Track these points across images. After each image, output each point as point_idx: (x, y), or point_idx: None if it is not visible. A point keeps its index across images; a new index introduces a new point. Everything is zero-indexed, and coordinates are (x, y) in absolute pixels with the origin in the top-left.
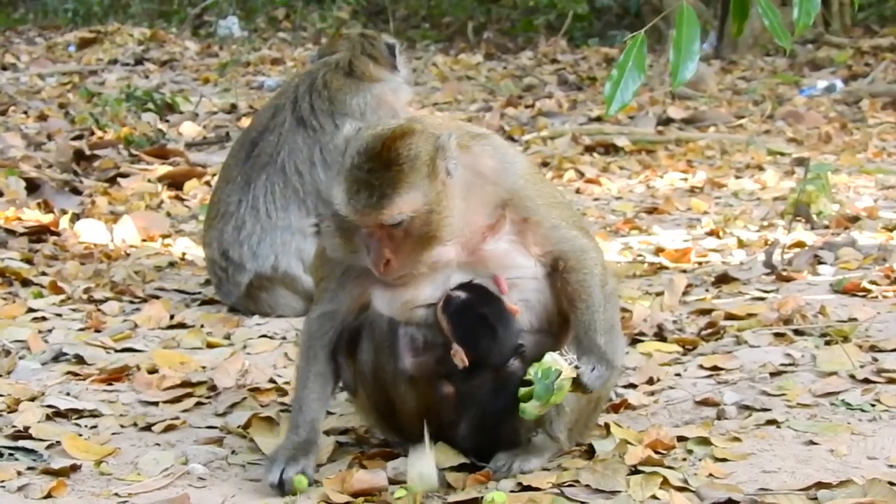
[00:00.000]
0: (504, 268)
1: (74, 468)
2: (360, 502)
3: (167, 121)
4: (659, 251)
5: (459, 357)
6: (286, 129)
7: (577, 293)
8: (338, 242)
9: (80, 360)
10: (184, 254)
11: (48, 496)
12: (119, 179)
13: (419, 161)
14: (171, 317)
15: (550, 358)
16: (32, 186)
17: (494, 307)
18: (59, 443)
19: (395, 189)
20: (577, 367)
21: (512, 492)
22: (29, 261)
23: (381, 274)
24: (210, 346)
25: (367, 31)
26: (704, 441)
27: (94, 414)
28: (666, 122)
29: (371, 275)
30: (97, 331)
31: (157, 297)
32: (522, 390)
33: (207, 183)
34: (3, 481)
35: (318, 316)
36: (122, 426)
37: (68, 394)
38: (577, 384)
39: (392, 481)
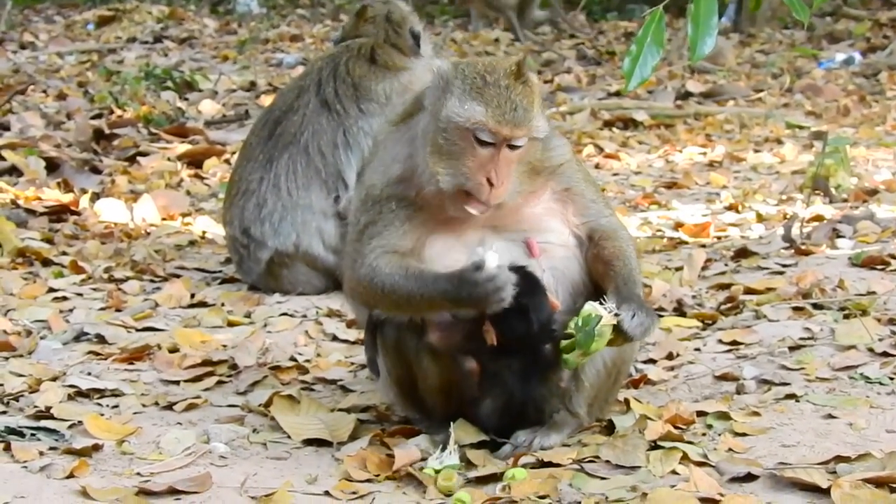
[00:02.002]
0: (538, 231)
1: (96, 448)
2: (381, 479)
3: (186, 99)
4: (678, 226)
5: (490, 336)
6: (310, 111)
7: (614, 255)
8: (445, 162)
9: (101, 339)
10: (204, 232)
11: (70, 476)
12: (139, 158)
13: (537, 85)
14: (192, 295)
15: (590, 307)
16: (52, 166)
17: (538, 300)
18: (80, 422)
19: (533, 105)
20: (616, 315)
21: (532, 468)
22: (49, 240)
23: (489, 197)
24: (231, 324)
25: (394, 15)
26: (724, 416)
27: (115, 393)
28: (685, 96)
29: (428, 223)
30: (118, 310)
31: (178, 276)
32: (564, 342)
33: (227, 161)
34: (25, 461)
35: (380, 253)
36: (143, 405)
37: (90, 373)
38: (619, 332)
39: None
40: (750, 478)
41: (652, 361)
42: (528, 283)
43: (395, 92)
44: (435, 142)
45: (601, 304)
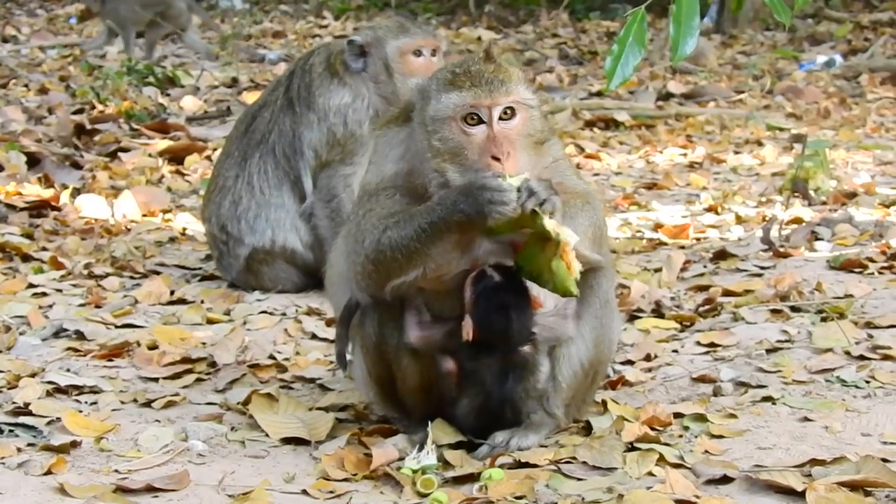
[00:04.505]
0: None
1: (74, 445)
2: (359, 479)
3: (168, 95)
4: (658, 227)
5: (467, 330)
6: (277, 108)
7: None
8: (449, 160)
9: (80, 335)
10: (184, 229)
11: (48, 473)
12: (120, 154)
13: (516, 69)
14: (172, 292)
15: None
16: (33, 161)
17: (520, 299)
18: (59, 419)
19: (510, 77)
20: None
21: (509, 468)
22: (29, 236)
23: (503, 169)
24: (210, 322)
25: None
26: (701, 418)
27: (94, 390)
28: (666, 96)
29: None
30: (97, 306)
31: (158, 273)
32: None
33: (208, 157)
34: (3, 458)
35: (379, 220)
36: (122, 402)
37: (68, 370)
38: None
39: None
40: (726, 480)
41: (629, 363)
42: (512, 281)
43: (331, 111)
44: (432, 147)
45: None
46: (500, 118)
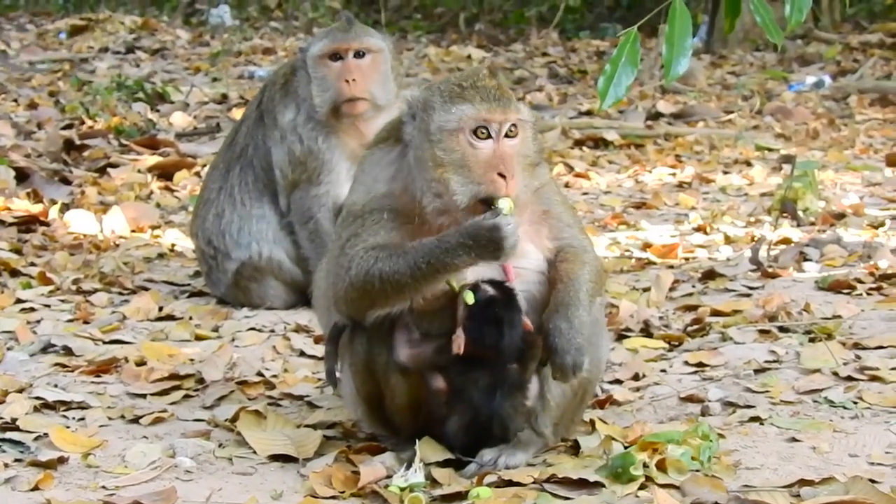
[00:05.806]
0: (516, 255)
1: (62, 460)
2: (346, 496)
3: (158, 110)
4: (646, 246)
5: (458, 343)
6: (251, 122)
7: (559, 277)
8: (452, 174)
9: (68, 351)
10: (173, 245)
11: (35, 488)
12: (109, 169)
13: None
14: (160, 308)
15: None
16: (22, 176)
17: (512, 316)
18: (46, 435)
19: (511, 93)
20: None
21: (497, 487)
22: (18, 251)
23: (506, 191)
24: (198, 338)
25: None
26: None
27: (81, 406)
28: (655, 116)
29: (414, 235)
30: (86, 322)
31: (146, 289)
32: None
33: (197, 174)
34: None
35: (367, 249)
36: (109, 418)
37: (56, 385)
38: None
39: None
40: (713, 500)
41: (618, 382)
42: (505, 296)
43: (287, 128)
44: (434, 159)
45: None
46: (506, 135)
